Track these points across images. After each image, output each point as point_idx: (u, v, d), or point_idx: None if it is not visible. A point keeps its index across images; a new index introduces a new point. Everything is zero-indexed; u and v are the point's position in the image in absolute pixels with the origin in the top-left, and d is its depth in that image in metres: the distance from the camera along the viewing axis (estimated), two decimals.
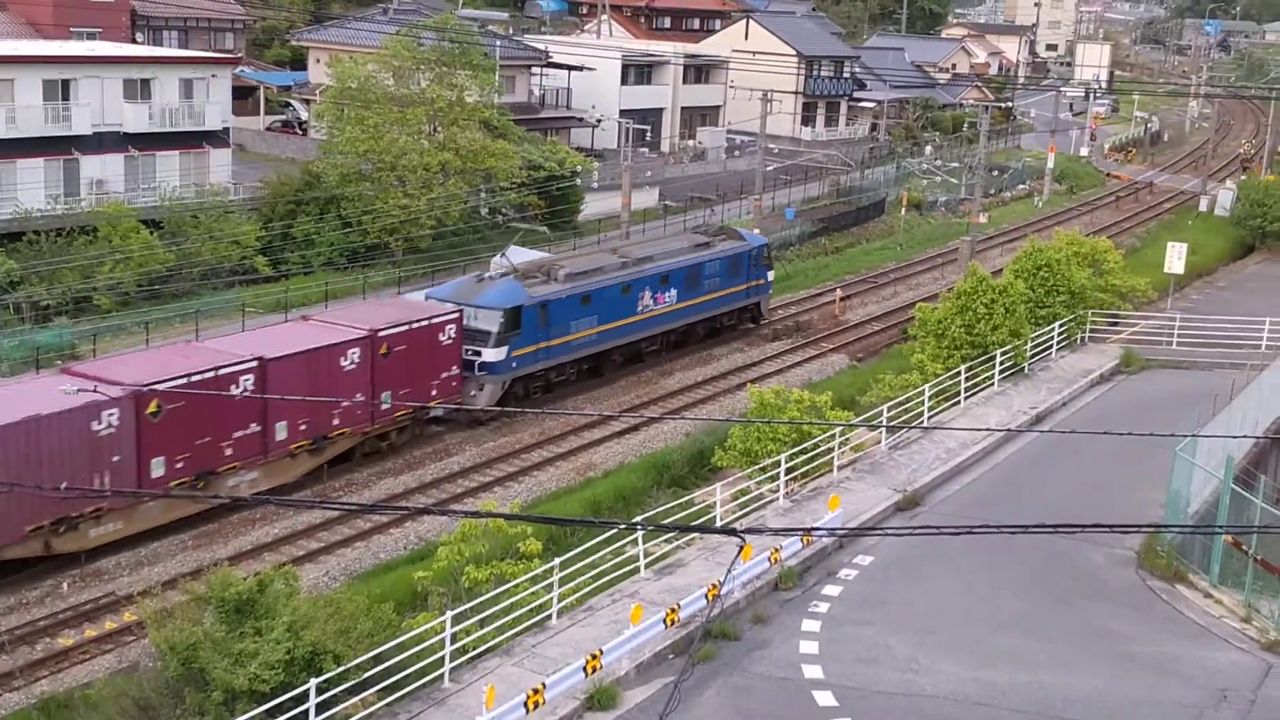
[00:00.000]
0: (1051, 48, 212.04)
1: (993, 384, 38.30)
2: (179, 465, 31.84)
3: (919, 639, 23.17)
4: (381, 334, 36.91)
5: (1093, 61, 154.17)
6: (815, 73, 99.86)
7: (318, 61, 75.78)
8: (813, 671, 21.84)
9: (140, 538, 32.01)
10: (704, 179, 79.10)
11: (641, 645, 21.87)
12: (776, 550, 25.28)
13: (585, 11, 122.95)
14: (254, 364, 33.33)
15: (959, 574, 26.01)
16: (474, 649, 21.44)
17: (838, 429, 31.12)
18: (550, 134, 75.01)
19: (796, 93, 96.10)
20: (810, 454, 30.44)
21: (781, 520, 27.74)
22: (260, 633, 19.59)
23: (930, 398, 35.18)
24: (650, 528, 24.48)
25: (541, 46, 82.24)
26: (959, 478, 31.60)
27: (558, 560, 22.92)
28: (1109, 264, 47.22)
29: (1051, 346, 42.25)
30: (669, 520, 27.40)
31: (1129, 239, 70.95)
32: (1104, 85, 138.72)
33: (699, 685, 21.14)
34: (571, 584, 23.37)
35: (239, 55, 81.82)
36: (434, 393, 38.69)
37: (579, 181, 66.13)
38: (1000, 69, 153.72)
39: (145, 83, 57.12)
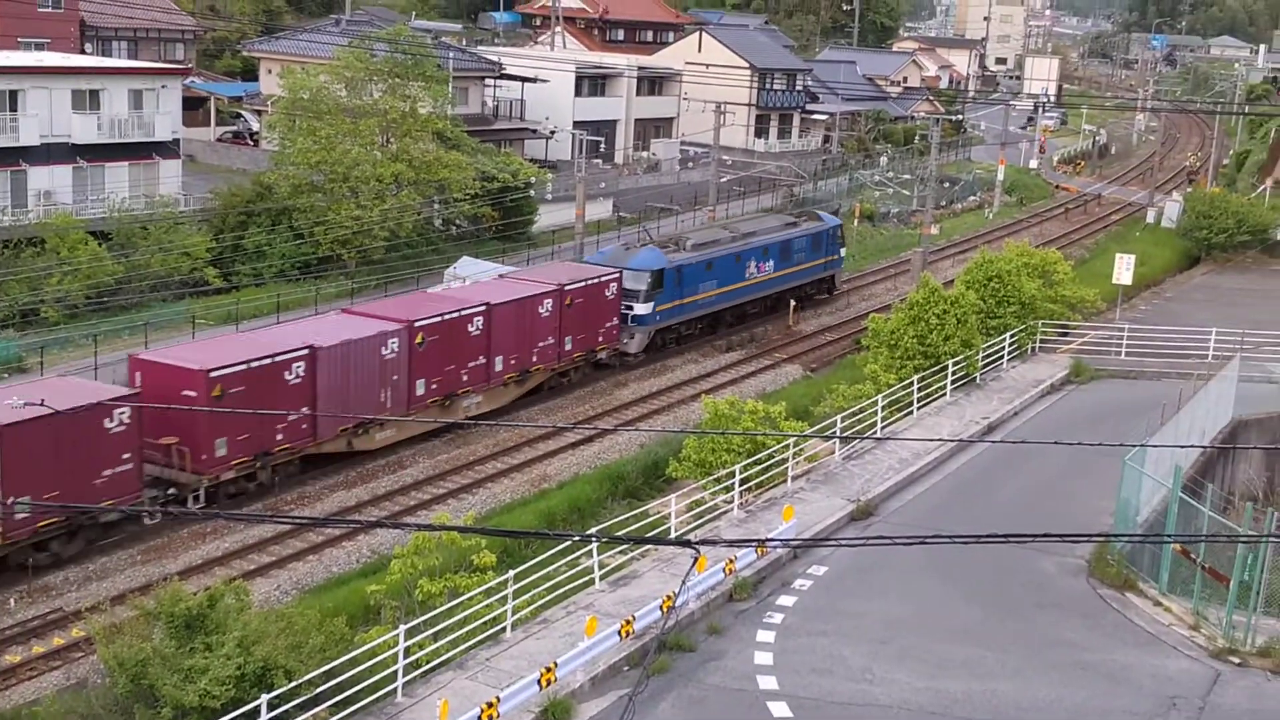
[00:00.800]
0: (1001, 61, 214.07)
1: (945, 394, 38.55)
2: (434, 387, 40.12)
3: (873, 649, 23.25)
4: (568, 289, 44.81)
5: (1041, 75, 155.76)
6: (768, 85, 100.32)
7: (269, 72, 75.37)
8: (767, 682, 21.87)
9: (89, 552, 31.67)
10: (658, 190, 79.23)
11: (596, 658, 21.82)
12: (731, 561, 25.31)
13: (539, 24, 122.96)
14: (483, 308, 41.51)
15: (912, 583, 26.12)
16: (427, 663, 21.33)
17: (792, 439, 31.21)
18: (504, 145, 74.91)
19: (749, 105, 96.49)
20: (764, 465, 30.51)
21: (736, 531, 27.78)
22: (210, 648, 19.41)
23: (883, 408, 35.36)
24: (605, 539, 24.44)
25: (495, 58, 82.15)
26: (912, 487, 31.76)
27: (512, 573, 22.85)
28: (1058, 275, 47.65)
29: (1003, 357, 42.57)
30: (624, 532, 27.38)
31: (1078, 250, 71.63)
32: (1053, 98, 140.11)
33: (654, 697, 21.11)
34: (526, 596, 23.30)
35: (189, 66, 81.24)
36: (600, 339, 47.10)
37: (533, 193, 66.07)
38: (951, 82, 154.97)
39: (94, 93, 56.60)
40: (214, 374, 33.09)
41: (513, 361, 42.90)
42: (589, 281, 46.04)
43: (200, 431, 32.88)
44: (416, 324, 39.21)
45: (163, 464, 32.92)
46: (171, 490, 33.14)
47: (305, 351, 35.56)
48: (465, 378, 41.09)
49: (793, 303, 56.66)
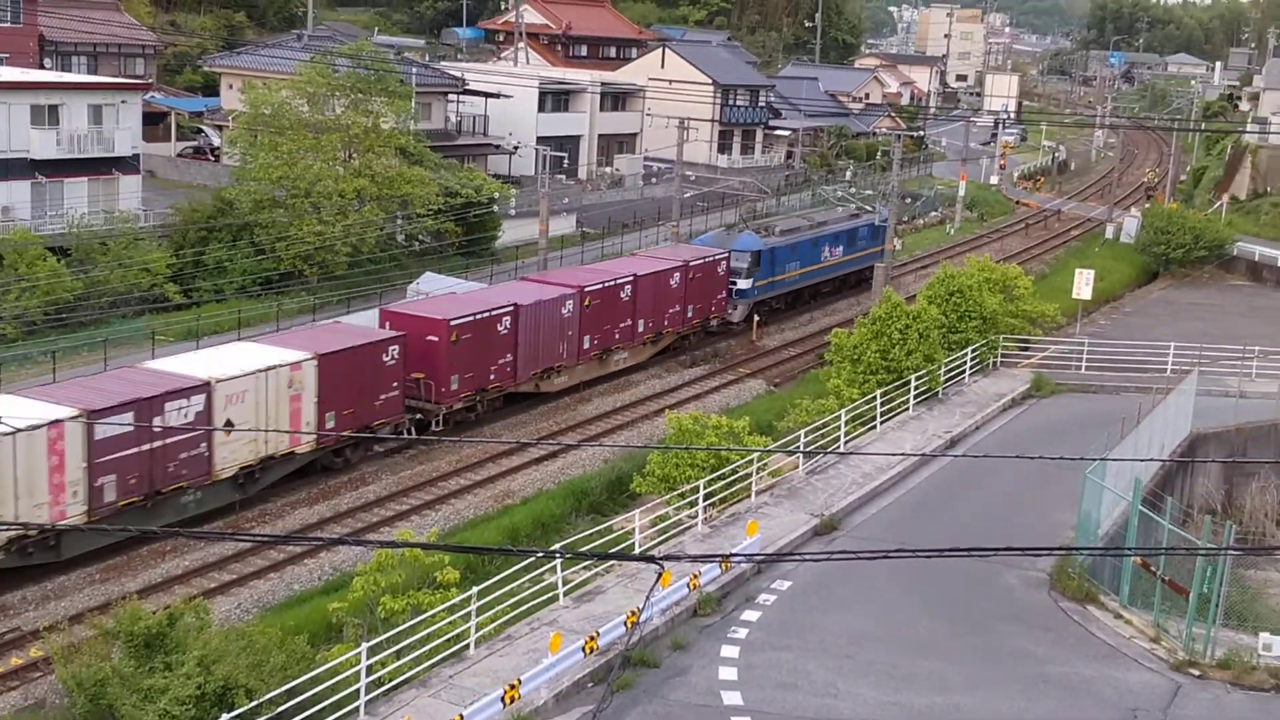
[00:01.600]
0: (961, 78, 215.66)
1: (908, 408, 38.72)
2: (595, 342, 47.76)
3: (837, 663, 23.29)
4: (691, 265, 52.62)
5: (1001, 92, 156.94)
6: (731, 101, 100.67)
7: (230, 87, 75.04)
8: (732, 698, 21.86)
9: (47, 570, 31.34)
10: (621, 205, 79.30)
11: (560, 674, 21.76)
12: (695, 576, 25.31)
13: (502, 39, 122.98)
14: (632, 278, 49.07)
15: (876, 597, 26.19)
16: (390, 681, 21.21)
17: (755, 454, 31.26)
18: (467, 161, 74.80)
19: (713, 121, 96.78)
20: (728, 480, 30.54)
21: (700, 546, 27.78)
22: (170, 667, 19.25)
23: (846, 422, 35.47)
24: (569, 555, 24.40)
25: (458, 74, 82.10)
26: (875, 501, 31.87)
27: (475, 589, 22.77)
28: (1019, 290, 47.98)
29: (964, 371, 42.82)
30: (588, 547, 27.36)
31: (1038, 265, 72.14)
32: (1012, 115, 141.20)
33: (618, 713, 21.07)
34: (489, 613, 23.22)
35: (149, 81, 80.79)
36: (713, 308, 54.47)
37: (496, 208, 66.00)
38: (912, 99, 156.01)
39: (53, 108, 56.18)
40: (453, 323, 40.83)
41: (650, 324, 50.72)
42: (705, 260, 53.80)
43: (441, 370, 40.59)
44: (586, 289, 46.67)
45: (410, 396, 40.21)
46: (418, 416, 40.60)
47: (511, 308, 43.21)
48: (617, 336, 48.88)
49: (755, 318, 56.86)
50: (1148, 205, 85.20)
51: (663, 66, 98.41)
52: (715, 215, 78.49)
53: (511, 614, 23.78)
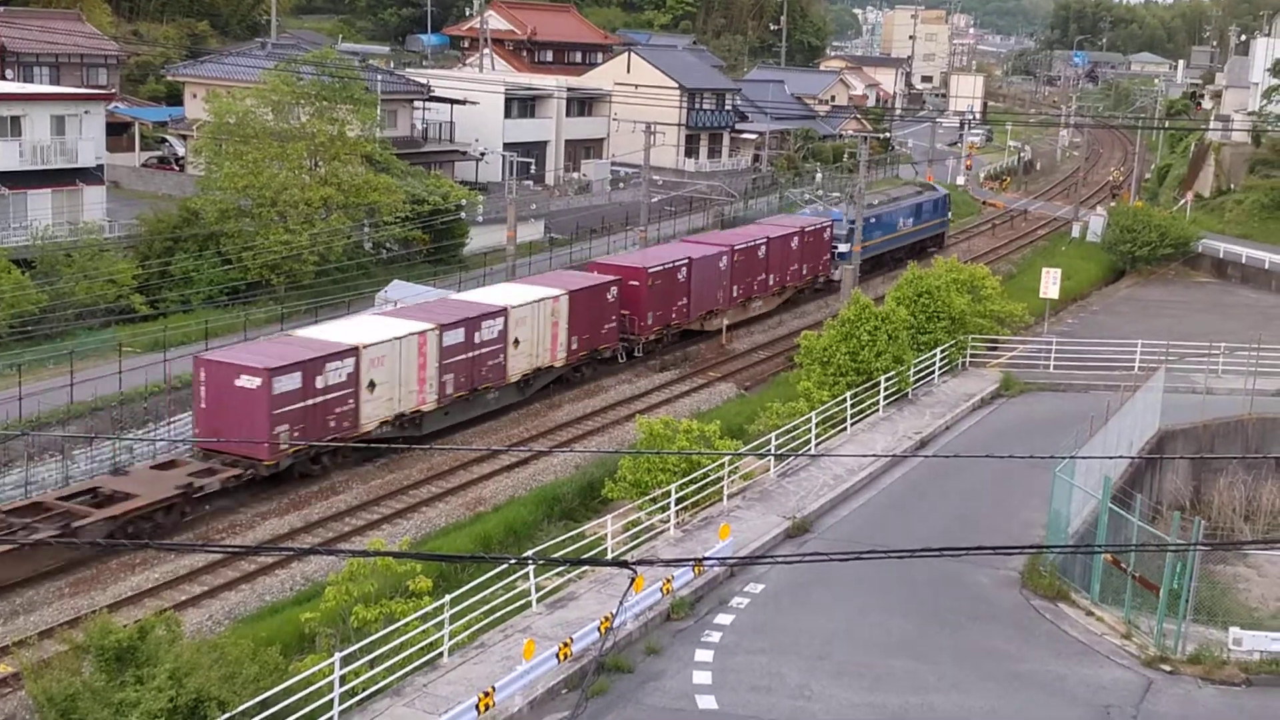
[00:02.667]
0: (927, 79, 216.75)
1: (878, 410, 38.85)
2: (740, 291, 57.77)
3: (811, 665, 23.34)
4: (806, 230, 63.03)
5: (966, 92, 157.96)
6: (697, 105, 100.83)
7: (194, 97, 74.66)
8: (706, 702, 21.88)
9: (13, 587, 31.11)
10: (589, 211, 79.30)
11: (534, 681, 21.72)
12: (668, 581, 25.31)
13: (467, 46, 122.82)
14: (765, 240, 59.27)
15: (849, 599, 26.26)
16: (364, 690, 21.13)
17: (727, 458, 31.30)
18: (434, 168, 74.66)
19: (679, 125, 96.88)
20: (700, 483, 30.56)
21: (673, 550, 27.80)
22: (142, 681, 19.10)
23: (817, 425, 35.56)
24: (541, 561, 24.35)
25: (424, 80, 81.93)
26: (847, 503, 31.96)
27: (448, 597, 22.71)
28: (987, 290, 48.20)
29: (934, 372, 42.99)
30: (560, 553, 27.34)
31: (1005, 265, 72.52)
32: (978, 115, 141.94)
33: (593, 719, 21.04)
34: (463, 621, 23.16)
35: (113, 91, 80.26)
36: (820, 268, 64.85)
37: (464, 215, 65.88)
38: (878, 100, 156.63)
39: (15, 120, 55.77)
40: (651, 271, 51.48)
41: (777, 279, 60.76)
42: (816, 227, 64.33)
43: (641, 308, 51.25)
44: (735, 247, 57.08)
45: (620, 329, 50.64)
46: (624, 343, 50.77)
47: (687, 260, 53.63)
48: (755, 287, 59.06)
49: (724, 323, 57.00)
50: (1113, 204, 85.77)
51: (629, 71, 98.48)
52: (683, 219, 78.59)
53: (485, 621, 23.72)
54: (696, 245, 57.14)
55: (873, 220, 66.91)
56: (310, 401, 36.73)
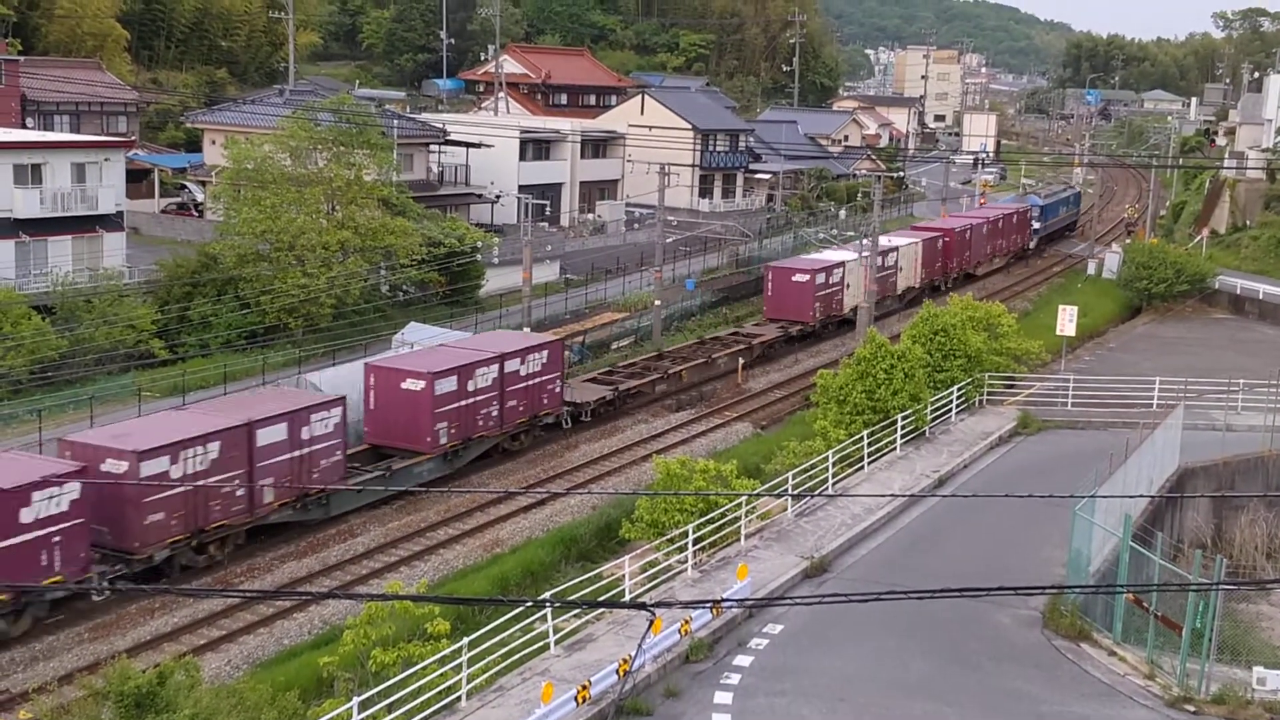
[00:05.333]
0: (940, 118, 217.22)
1: (895, 448, 38.74)
2: (989, 251, 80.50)
3: (831, 707, 23.20)
4: (1019, 212, 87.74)
5: (979, 131, 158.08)
6: (711, 146, 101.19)
7: (213, 143, 75.24)
8: None
9: (35, 632, 31.13)
10: (604, 252, 79.52)
11: None
12: (687, 622, 25.21)
13: (482, 89, 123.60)
14: (1000, 216, 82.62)
15: (868, 639, 26.13)
16: None
17: (744, 498, 31.23)
18: (450, 210, 75.01)
19: (693, 166, 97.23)
20: (717, 524, 30.49)
21: (691, 591, 27.71)
22: None
23: (834, 464, 35.48)
24: (559, 604, 24.31)
25: (439, 124, 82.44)
26: (865, 543, 31.84)
27: (466, 640, 22.66)
28: (1003, 328, 48.15)
29: (951, 410, 42.89)
30: (578, 595, 27.26)
31: (1021, 303, 72.46)
32: (991, 154, 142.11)
33: None
34: (481, 664, 23.10)
35: (132, 138, 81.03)
36: (1020, 243, 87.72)
37: (479, 257, 66.14)
38: (891, 140, 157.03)
39: (36, 167, 56.26)
40: (958, 230, 75.16)
41: (1005, 243, 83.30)
42: (1021, 210, 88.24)
43: (949, 254, 75.41)
44: (990, 219, 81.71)
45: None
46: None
47: (969, 226, 78.50)
48: (994, 249, 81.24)
49: (740, 361, 56.99)
50: (1128, 241, 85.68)
51: (642, 113, 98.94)
52: (698, 259, 78.75)
53: (503, 664, 23.66)
54: (970, 216, 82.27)
55: (1048, 208, 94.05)
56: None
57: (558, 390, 46.67)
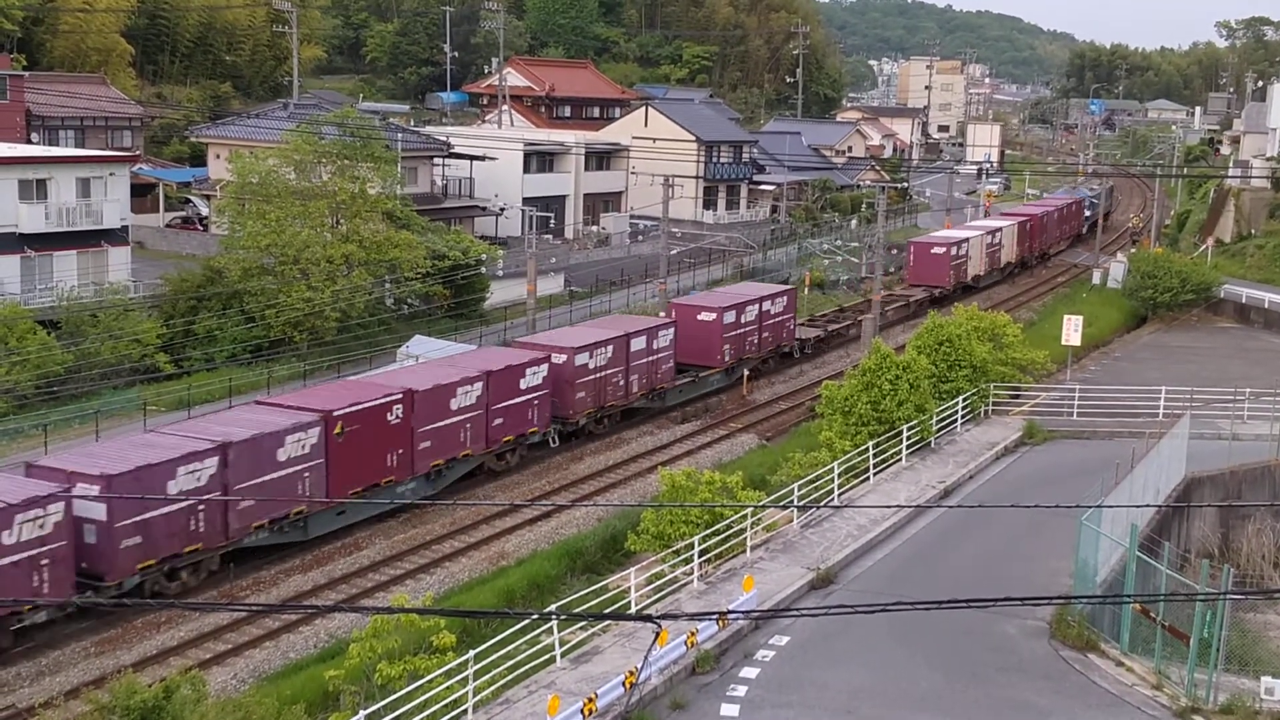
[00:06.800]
0: (943, 129, 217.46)
1: (900, 459, 38.69)
2: (1058, 235, 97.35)
3: (838, 719, 23.12)
4: (1075, 202, 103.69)
5: (984, 141, 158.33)
6: (715, 157, 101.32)
7: (217, 157, 75.41)
8: None
9: (40, 647, 31.11)
10: (609, 264, 79.60)
11: None
12: (693, 634, 25.17)
13: (486, 102, 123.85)
14: (1060, 207, 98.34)
15: (875, 650, 26.06)
16: None
17: (749, 509, 31.20)
18: (454, 223, 75.11)
19: (697, 177, 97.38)
20: (723, 535, 30.45)
21: (697, 603, 27.65)
22: None
23: (839, 475, 35.42)
24: (564, 616, 24.27)
25: (443, 137, 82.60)
26: (871, 554, 31.78)
27: (472, 653, 22.63)
28: (1008, 338, 48.10)
29: (956, 420, 42.83)
30: (583, 607, 27.21)
31: (1026, 313, 72.39)
32: (995, 164, 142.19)
33: None
34: (487, 677, 23.06)
35: (137, 153, 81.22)
36: (1080, 227, 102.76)
37: (484, 270, 66.21)
38: (894, 150, 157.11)
39: (41, 183, 56.40)
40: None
41: (1058, 235, 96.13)
42: (1079, 200, 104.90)
43: (1034, 239, 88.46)
44: (1057, 207, 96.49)
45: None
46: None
47: (1043, 215, 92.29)
48: (1060, 233, 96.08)
49: (745, 372, 56.99)
50: (1133, 250, 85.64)
51: (646, 125, 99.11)
52: (702, 271, 78.78)
53: (509, 677, 23.61)
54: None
55: (1094, 201, 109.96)
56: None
57: (792, 327, 60.74)
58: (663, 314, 55.84)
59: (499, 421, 42.84)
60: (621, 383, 48.67)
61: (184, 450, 33.12)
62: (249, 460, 34.34)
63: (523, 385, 43.41)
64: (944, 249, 75.80)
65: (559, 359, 45.41)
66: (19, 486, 30.38)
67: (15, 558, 28.93)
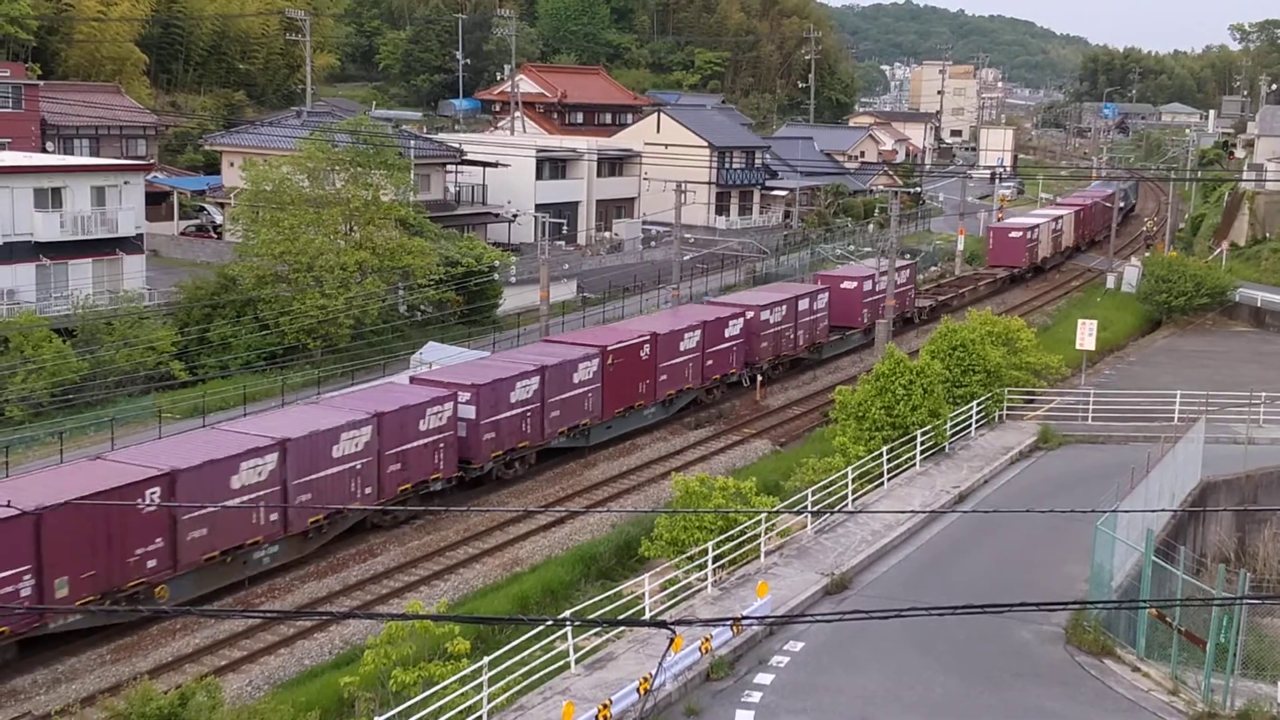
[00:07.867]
0: (956, 133, 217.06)
1: (914, 464, 38.62)
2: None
3: None
4: (1110, 195, 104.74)
5: (996, 146, 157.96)
6: (727, 163, 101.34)
7: (231, 165, 75.63)
8: None
9: (58, 654, 31.21)
10: (621, 270, 79.63)
11: None
12: (707, 640, 25.15)
13: (498, 109, 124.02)
14: (1089, 202, 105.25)
15: (890, 656, 26.01)
16: None
17: (763, 515, 31.17)
18: (467, 230, 75.25)
19: (710, 183, 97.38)
20: (737, 541, 30.43)
21: (711, 609, 27.63)
22: None
23: (853, 480, 35.38)
24: (579, 622, 24.27)
25: (456, 144, 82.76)
26: (886, 559, 31.73)
27: (487, 659, 22.64)
28: (1022, 342, 48.00)
29: (970, 425, 42.75)
30: (598, 614, 27.21)
31: (1040, 317, 72.24)
32: (1008, 168, 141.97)
33: None
34: (501, 683, 23.07)
35: (151, 161, 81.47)
36: (1110, 217, 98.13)
37: (497, 276, 66.30)
38: (907, 155, 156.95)
39: (56, 191, 56.59)
40: (1079, 208, 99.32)
41: (1093, 231, 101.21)
42: (1110, 193, 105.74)
43: (1082, 231, 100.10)
44: (1095, 200, 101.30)
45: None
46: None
47: (1084, 207, 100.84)
48: (1095, 227, 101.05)
49: (758, 378, 56.96)
50: (1148, 254, 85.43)
51: (658, 131, 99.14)
52: (715, 277, 78.76)
53: (523, 684, 23.62)
54: (1092, 195, 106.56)
55: (1127, 195, 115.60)
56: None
57: (913, 296, 70.47)
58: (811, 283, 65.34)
59: (710, 363, 53.16)
60: (791, 336, 59.09)
61: (520, 369, 43.72)
62: (558, 379, 44.89)
63: (726, 334, 53.99)
64: (1020, 234, 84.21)
65: (750, 315, 55.38)
66: (421, 391, 40.85)
67: (425, 441, 39.53)
